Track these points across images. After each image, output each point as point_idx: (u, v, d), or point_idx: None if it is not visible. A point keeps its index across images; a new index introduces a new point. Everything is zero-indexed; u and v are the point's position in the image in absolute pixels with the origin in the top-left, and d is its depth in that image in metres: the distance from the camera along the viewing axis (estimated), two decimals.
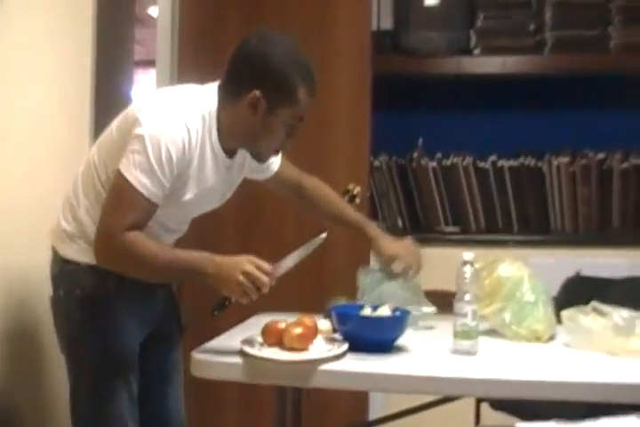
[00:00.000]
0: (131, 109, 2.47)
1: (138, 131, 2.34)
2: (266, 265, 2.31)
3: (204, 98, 2.45)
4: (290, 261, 2.40)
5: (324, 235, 2.44)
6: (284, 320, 2.38)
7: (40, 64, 3.05)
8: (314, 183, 2.90)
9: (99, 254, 2.38)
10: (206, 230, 2.92)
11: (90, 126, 3.38)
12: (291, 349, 2.28)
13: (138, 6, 4.45)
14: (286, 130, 2.46)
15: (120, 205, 2.35)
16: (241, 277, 2.28)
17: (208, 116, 2.42)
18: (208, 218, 2.68)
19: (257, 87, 2.38)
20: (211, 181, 2.48)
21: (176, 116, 2.36)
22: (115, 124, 2.52)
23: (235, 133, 2.46)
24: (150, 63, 4.97)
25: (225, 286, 2.31)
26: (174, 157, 2.33)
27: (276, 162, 2.78)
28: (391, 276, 2.73)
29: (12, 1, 2.77)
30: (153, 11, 5.93)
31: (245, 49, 2.44)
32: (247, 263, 2.30)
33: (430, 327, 2.70)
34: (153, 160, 2.31)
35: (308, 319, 2.38)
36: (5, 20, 2.77)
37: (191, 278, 2.49)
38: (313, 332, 2.35)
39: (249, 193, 2.79)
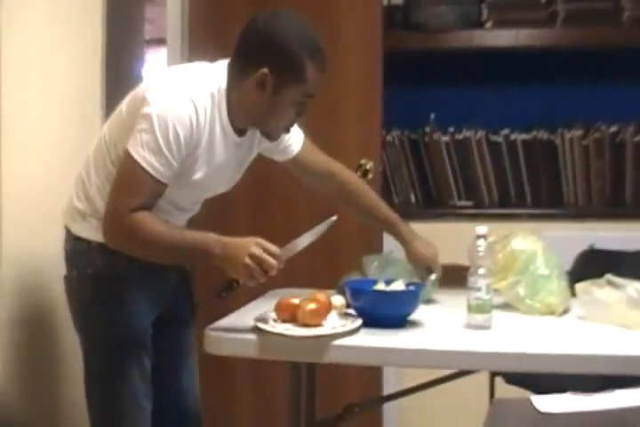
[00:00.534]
0: (140, 88, 2.46)
1: (145, 110, 2.33)
2: (273, 247, 2.31)
3: (213, 75, 2.44)
4: (299, 244, 2.39)
5: (334, 217, 2.42)
6: (297, 296, 2.38)
7: (51, 44, 3.06)
8: (347, 174, 2.87)
9: (106, 235, 2.38)
10: (217, 211, 2.91)
11: (101, 106, 3.37)
12: (304, 324, 2.28)
13: None
14: (295, 107, 2.44)
15: (128, 186, 2.35)
16: (247, 259, 2.28)
17: (217, 94, 2.41)
18: (219, 199, 2.67)
19: (264, 65, 2.37)
20: (220, 158, 2.47)
21: (184, 94, 2.35)
22: (124, 103, 2.51)
23: (243, 112, 2.44)
24: (160, 42, 4.97)
25: (231, 267, 2.31)
26: (182, 136, 2.33)
27: (296, 143, 2.75)
28: (421, 279, 2.71)
29: None
30: None
31: (253, 26, 2.42)
32: (254, 245, 2.30)
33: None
34: (161, 140, 2.31)
35: (321, 295, 2.39)
36: (17, 1, 2.77)
37: (198, 259, 2.47)
38: (327, 307, 2.35)
39: (260, 174, 2.78)
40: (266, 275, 2.29)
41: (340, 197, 2.88)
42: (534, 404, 1.85)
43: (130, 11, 3.87)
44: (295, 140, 2.74)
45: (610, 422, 1.84)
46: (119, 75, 3.52)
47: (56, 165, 3.01)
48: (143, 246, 2.37)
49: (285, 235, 2.39)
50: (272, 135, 2.54)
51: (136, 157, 2.32)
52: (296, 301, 2.35)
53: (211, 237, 2.35)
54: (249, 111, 2.45)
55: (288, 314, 2.33)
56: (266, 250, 2.29)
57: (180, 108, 2.33)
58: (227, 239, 2.34)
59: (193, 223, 2.65)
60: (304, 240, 2.40)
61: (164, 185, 2.36)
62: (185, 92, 2.36)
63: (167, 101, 2.34)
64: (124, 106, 2.51)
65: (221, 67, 2.47)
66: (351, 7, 3.84)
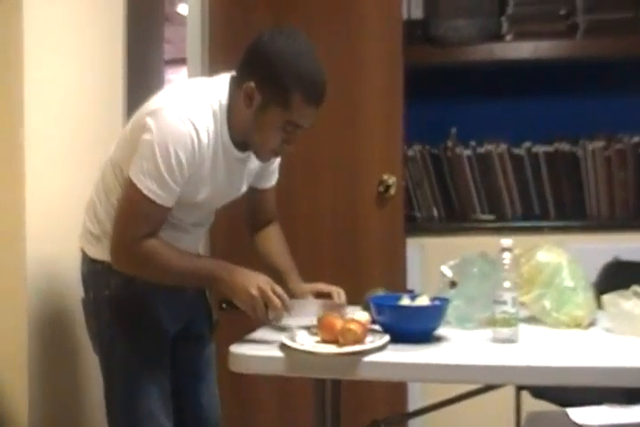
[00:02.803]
0: (141, 111, 2.45)
1: (146, 136, 2.34)
2: (281, 290, 2.33)
3: (213, 91, 2.43)
4: (308, 304, 2.44)
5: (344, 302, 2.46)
6: (337, 316, 2.37)
7: (72, 66, 3.07)
8: (274, 225, 2.81)
9: (115, 263, 2.40)
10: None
11: (122, 127, 3.37)
12: (342, 344, 2.26)
13: (166, 4, 4.46)
14: (282, 133, 2.42)
15: (132, 214, 2.37)
16: (254, 291, 2.30)
17: (219, 110, 2.41)
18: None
19: (253, 79, 2.36)
20: (223, 176, 2.48)
21: (183, 116, 2.33)
22: (129, 126, 2.52)
23: (237, 124, 2.44)
24: (179, 62, 4.99)
25: (236, 294, 2.33)
26: (184, 160, 2.33)
27: (274, 179, 2.75)
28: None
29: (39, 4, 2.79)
30: (181, 8, 5.95)
31: (256, 41, 2.42)
32: (264, 281, 2.33)
33: None
34: (162, 166, 2.31)
35: (361, 316, 2.39)
36: (37, 21, 2.79)
37: (205, 284, 2.50)
38: (366, 329, 2.34)
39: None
40: (267, 312, 2.32)
41: (257, 241, 2.80)
42: (570, 416, 1.83)
43: (149, 31, 3.89)
44: (275, 176, 2.75)
45: None
46: (140, 95, 3.52)
47: (79, 185, 3.01)
48: (154, 274, 2.39)
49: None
50: (258, 154, 2.52)
51: (138, 185, 2.33)
52: (339, 322, 2.32)
53: (220, 264, 2.40)
54: (239, 124, 2.43)
55: (328, 332, 2.31)
56: (273, 289, 2.32)
57: (180, 131, 2.32)
58: (236, 267, 2.37)
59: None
60: (313, 304, 2.44)
61: (169, 209, 2.37)
62: (185, 114, 2.34)
63: (167, 126, 2.32)
64: (128, 128, 2.52)
65: (222, 81, 2.47)
66: (371, 22, 3.85)
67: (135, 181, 2.33)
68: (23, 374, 2.72)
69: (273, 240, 2.76)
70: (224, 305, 2.45)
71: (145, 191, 2.32)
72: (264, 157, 2.53)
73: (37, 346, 2.78)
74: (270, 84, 2.36)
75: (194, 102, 2.39)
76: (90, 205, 2.58)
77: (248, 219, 2.81)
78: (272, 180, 2.75)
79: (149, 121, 2.35)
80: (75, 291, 2.67)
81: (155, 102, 2.44)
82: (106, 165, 2.55)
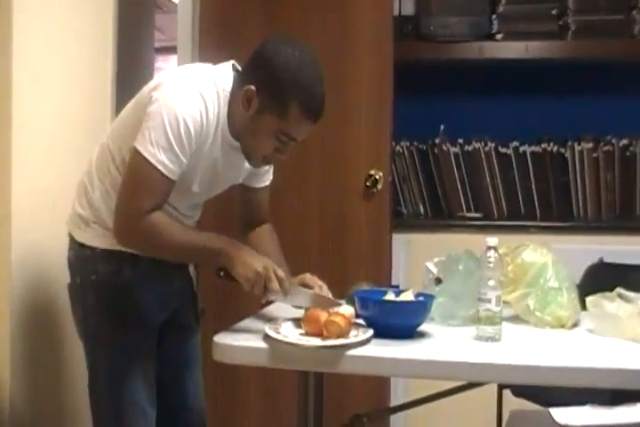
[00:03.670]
0: (144, 90, 2.45)
1: (154, 107, 2.31)
2: (282, 274, 2.33)
3: (218, 75, 2.43)
4: (303, 291, 2.43)
5: (343, 302, 2.46)
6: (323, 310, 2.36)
7: (62, 54, 3.06)
8: (266, 225, 2.79)
9: (120, 237, 2.37)
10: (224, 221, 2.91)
11: (111, 113, 3.38)
12: (327, 337, 2.26)
13: None
14: (275, 141, 2.41)
15: (139, 185, 2.33)
16: (260, 269, 2.30)
17: (222, 94, 2.40)
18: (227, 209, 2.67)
19: (254, 83, 2.36)
20: (221, 161, 2.47)
21: (193, 89, 2.33)
22: (129, 107, 2.51)
23: (234, 121, 2.43)
24: (170, 50, 4.98)
25: (241, 268, 2.31)
26: (193, 131, 2.31)
27: (267, 179, 2.74)
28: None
29: None
30: None
31: (263, 45, 2.41)
32: (269, 262, 2.34)
33: None
34: (171, 136, 2.29)
35: (345, 310, 2.39)
36: (26, 9, 2.77)
37: (211, 259, 2.40)
38: (351, 323, 2.34)
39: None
40: (265, 292, 2.31)
41: (246, 228, 2.78)
42: (553, 416, 1.84)
43: (140, 18, 3.88)
44: (269, 177, 2.74)
45: None
46: (129, 83, 3.52)
47: (67, 171, 3.00)
48: (159, 248, 2.37)
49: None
50: (249, 158, 2.51)
51: (146, 154, 2.29)
52: (324, 315, 2.32)
53: (225, 238, 2.37)
54: (236, 121, 2.43)
55: (313, 325, 2.31)
56: (276, 272, 2.32)
57: (189, 103, 2.31)
58: (243, 244, 2.38)
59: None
60: (308, 296, 2.43)
61: (174, 183, 2.34)
62: (194, 87, 2.34)
63: (176, 97, 2.32)
64: (128, 109, 2.51)
65: (225, 69, 2.46)
66: (362, 17, 3.84)
67: (142, 150, 2.29)
68: (4, 360, 2.72)
69: (266, 239, 2.72)
70: (221, 273, 2.42)
71: (153, 161, 2.28)
72: (255, 162, 2.52)
73: (21, 332, 2.78)
74: (270, 91, 2.35)
75: (202, 80, 2.39)
76: (81, 189, 2.55)
77: (241, 218, 2.78)
78: (265, 180, 2.73)
79: (155, 94, 2.33)
80: (60, 277, 2.66)
81: (159, 79, 2.43)
82: (101, 149, 2.53)
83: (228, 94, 2.41)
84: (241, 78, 2.42)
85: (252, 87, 2.36)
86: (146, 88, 2.44)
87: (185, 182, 2.42)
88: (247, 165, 2.57)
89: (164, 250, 2.38)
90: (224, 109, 2.41)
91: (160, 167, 2.29)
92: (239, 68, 2.48)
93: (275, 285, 2.30)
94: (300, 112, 2.36)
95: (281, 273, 2.33)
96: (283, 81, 2.34)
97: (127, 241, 2.38)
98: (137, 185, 2.33)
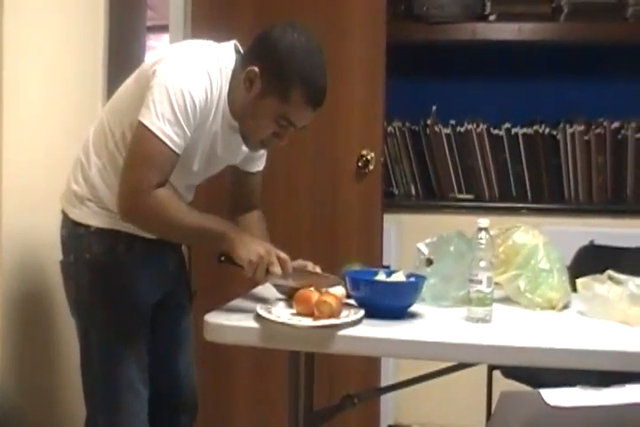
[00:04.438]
0: (145, 64, 2.44)
1: (158, 80, 2.30)
2: (285, 255, 2.33)
3: (220, 53, 2.42)
4: (301, 279, 2.42)
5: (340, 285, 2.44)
6: (314, 289, 2.36)
7: (53, 30, 3.04)
8: (257, 211, 2.77)
9: (125, 212, 2.33)
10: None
11: (102, 91, 3.37)
12: (318, 316, 2.26)
13: None
14: (274, 125, 2.40)
15: (144, 159, 2.30)
16: (263, 252, 2.30)
17: (224, 71, 2.39)
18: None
19: (258, 65, 2.35)
20: (220, 138, 2.46)
21: (198, 63, 2.33)
22: (129, 82, 2.49)
23: (234, 102, 2.42)
24: (162, 28, 4.94)
25: (243, 252, 2.30)
26: (197, 105, 2.30)
27: (261, 164, 2.73)
28: None
29: None
30: None
31: (269, 30, 2.40)
32: (270, 247, 2.34)
33: None
34: (177, 108, 2.27)
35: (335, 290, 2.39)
36: None
37: (212, 242, 2.39)
38: (341, 303, 2.34)
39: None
40: (265, 275, 2.31)
41: (235, 213, 2.75)
42: (543, 397, 1.83)
43: None
44: (263, 162, 2.73)
45: (620, 416, 1.83)
46: (121, 61, 3.51)
47: (57, 149, 3.00)
48: (163, 225, 2.35)
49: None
50: (247, 141, 2.50)
51: (152, 127, 2.27)
52: (315, 295, 2.32)
53: (228, 223, 2.39)
54: (236, 104, 2.42)
55: (304, 305, 2.31)
56: (278, 255, 2.32)
57: (194, 76, 2.31)
58: (244, 230, 2.41)
59: None
60: (309, 276, 2.43)
61: (178, 157, 2.32)
62: (199, 62, 2.34)
63: (181, 71, 2.31)
64: (128, 84, 2.49)
65: (227, 48, 2.46)
66: None
67: (148, 123, 2.27)
68: None
69: (254, 224, 2.70)
70: (222, 258, 2.42)
71: (159, 134, 2.26)
72: (252, 145, 2.52)
73: (10, 317, 2.78)
74: (274, 74, 2.35)
75: (206, 56, 2.38)
76: (76, 166, 2.53)
77: (231, 201, 2.76)
78: (259, 164, 2.73)
79: (159, 68, 2.32)
80: (50, 255, 2.65)
81: (161, 53, 2.41)
82: (99, 124, 2.51)
83: (230, 73, 2.40)
84: (243, 59, 2.42)
85: (256, 68, 2.35)
86: (147, 63, 2.43)
87: (186, 160, 2.40)
88: (244, 148, 2.56)
89: (168, 228, 2.36)
90: (225, 87, 2.40)
91: (167, 140, 2.27)
92: (240, 49, 2.48)
93: (277, 268, 2.30)
94: (302, 97, 2.35)
95: (284, 255, 2.33)
96: (288, 65, 2.34)
97: (132, 216, 2.34)
98: (143, 159, 2.30)
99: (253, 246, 2.31)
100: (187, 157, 2.39)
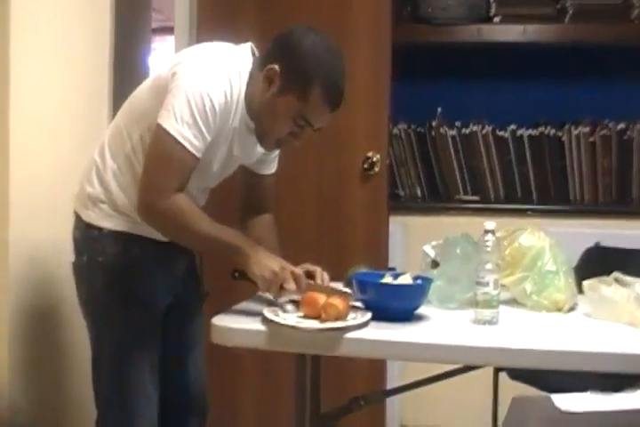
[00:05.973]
0: (163, 69, 2.43)
1: (177, 83, 2.31)
2: (300, 272, 2.34)
3: (238, 55, 2.43)
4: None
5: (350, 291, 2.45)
6: (321, 292, 2.36)
7: (59, 33, 3.05)
8: (268, 215, 2.75)
9: (144, 213, 2.35)
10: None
11: (108, 94, 3.37)
12: (325, 320, 2.26)
13: None
14: (292, 125, 2.41)
15: (163, 162, 2.31)
16: (278, 269, 2.30)
17: (243, 74, 2.40)
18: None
19: (279, 64, 2.36)
20: (237, 140, 2.47)
21: (217, 66, 2.34)
22: (145, 85, 2.50)
23: (251, 103, 2.43)
24: (166, 30, 4.95)
25: (258, 268, 2.31)
26: (217, 108, 2.30)
27: (274, 167, 2.73)
28: None
29: None
30: None
31: (289, 32, 2.42)
32: (285, 263, 2.34)
33: None
34: (196, 111, 2.28)
35: (343, 293, 2.40)
36: None
37: (225, 254, 2.40)
38: (348, 305, 2.34)
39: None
40: (279, 291, 2.32)
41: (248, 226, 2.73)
42: (555, 402, 1.84)
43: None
44: (275, 165, 2.73)
45: (631, 421, 1.84)
46: (126, 63, 3.52)
47: (65, 152, 3.00)
48: (180, 230, 2.36)
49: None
50: (263, 141, 2.51)
51: (170, 130, 2.28)
52: (322, 298, 2.33)
53: (244, 238, 2.39)
54: (253, 104, 2.43)
55: (311, 308, 2.31)
56: (293, 272, 2.32)
57: (214, 79, 2.31)
58: (260, 246, 2.38)
59: None
60: (323, 290, 2.41)
61: (198, 160, 2.33)
62: (218, 64, 2.35)
63: (200, 74, 2.31)
64: (145, 87, 2.49)
65: (244, 50, 2.47)
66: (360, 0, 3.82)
67: (167, 126, 2.28)
68: (3, 343, 2.72)
69: (264, 227, 2.70)
70: (236, 274, 2.43)
71: (178, 137, 2.27)
72: (268, 145, 2.52)
73: (19, 326, 2.78)
74: (295, 73, 2.36)
75: (224, 58, 2.39)
76: (91, 168, 2.52)
77: (242, 202, 2.75)
78: (272, 167, 2.73)
79: (179, 71, 2.33)
80: (59, 258, 2.65)
81: (180, 57, 2.43)
82: (114, 128, 2.52)
83: (247, 75, 2.41)
84: (261, 60, 2.43)
85: (276, 67, 2.36)
86: (166, 66, 2.43)
87: (206, 162, 2.41)
88: (258, 149, 2.57)
89: (183, 233, 2.37)
90: (243, 89, 2.41)
91: (185, 144, 2.28)
92: (256, 52, 2.49)
93: (291, 285, 2.31)
94: (321, 97, 2.36)
95: (298, 271, 2.33)
96: (310, 64, 2.35)
97: (150, 215, 2.35)
98: (162, 162, 2.31)
99: (268, 263, 2.32)
100: (207, 158, 2.40)
